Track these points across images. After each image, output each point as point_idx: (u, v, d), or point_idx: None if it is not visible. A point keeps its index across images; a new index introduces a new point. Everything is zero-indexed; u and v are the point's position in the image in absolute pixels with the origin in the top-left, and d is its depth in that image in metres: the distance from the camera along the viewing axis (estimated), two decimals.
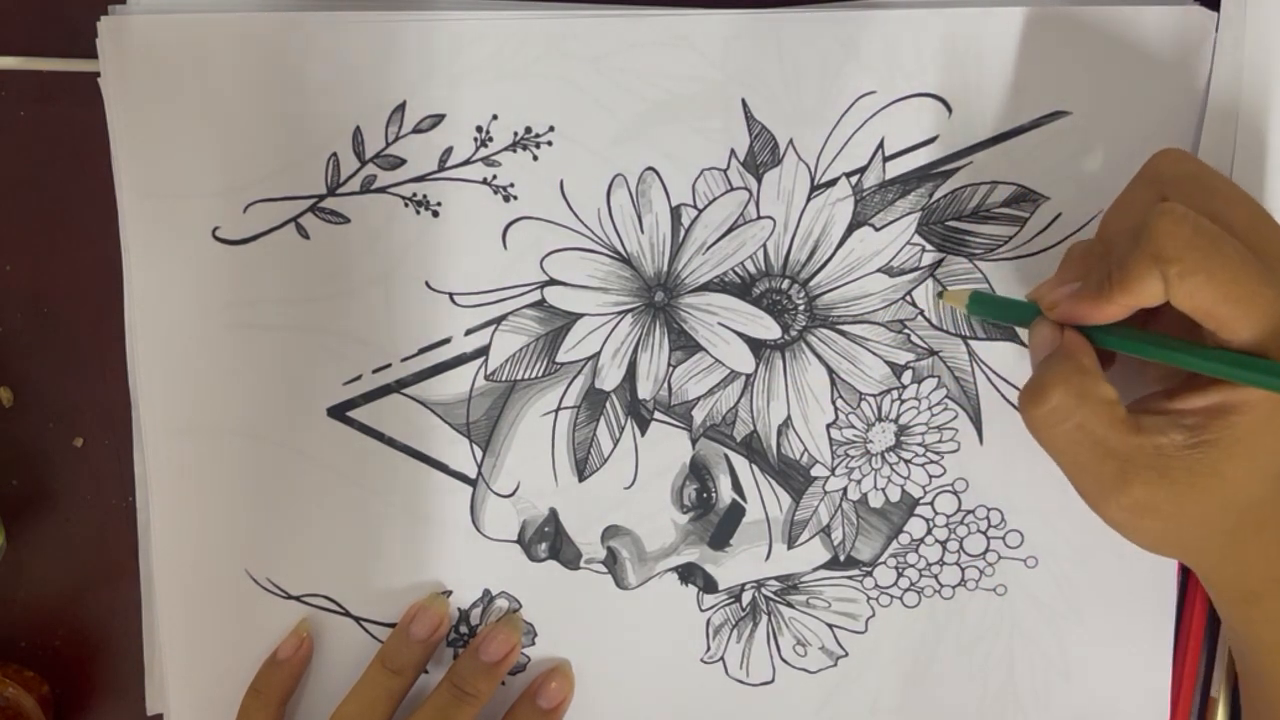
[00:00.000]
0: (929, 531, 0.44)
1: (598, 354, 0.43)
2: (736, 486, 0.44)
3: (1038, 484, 0.43)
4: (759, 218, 0.42)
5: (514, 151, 0.42)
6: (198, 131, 0.42)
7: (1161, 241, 0.31)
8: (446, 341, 0.43)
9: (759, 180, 0.42)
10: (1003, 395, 0.43)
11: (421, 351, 0.43)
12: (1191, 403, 0.33)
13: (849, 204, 0.42)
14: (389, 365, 0.43)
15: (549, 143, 0.42)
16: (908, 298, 0.42)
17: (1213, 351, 0.32)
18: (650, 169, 0.42)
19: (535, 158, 0.42)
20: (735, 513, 0.44)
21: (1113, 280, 0.33)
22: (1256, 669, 0.38)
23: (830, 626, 0.45)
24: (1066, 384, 0.33)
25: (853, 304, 0.42)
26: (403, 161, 0.42)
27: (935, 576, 0.44)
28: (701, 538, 0.44)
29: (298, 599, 0.44)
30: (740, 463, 0.44)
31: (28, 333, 0.44)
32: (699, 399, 0.43)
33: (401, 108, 0.41)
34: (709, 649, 0.45)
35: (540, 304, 0.43)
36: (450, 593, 0.44)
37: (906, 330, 0.43)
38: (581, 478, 0.44)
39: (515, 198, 0.42)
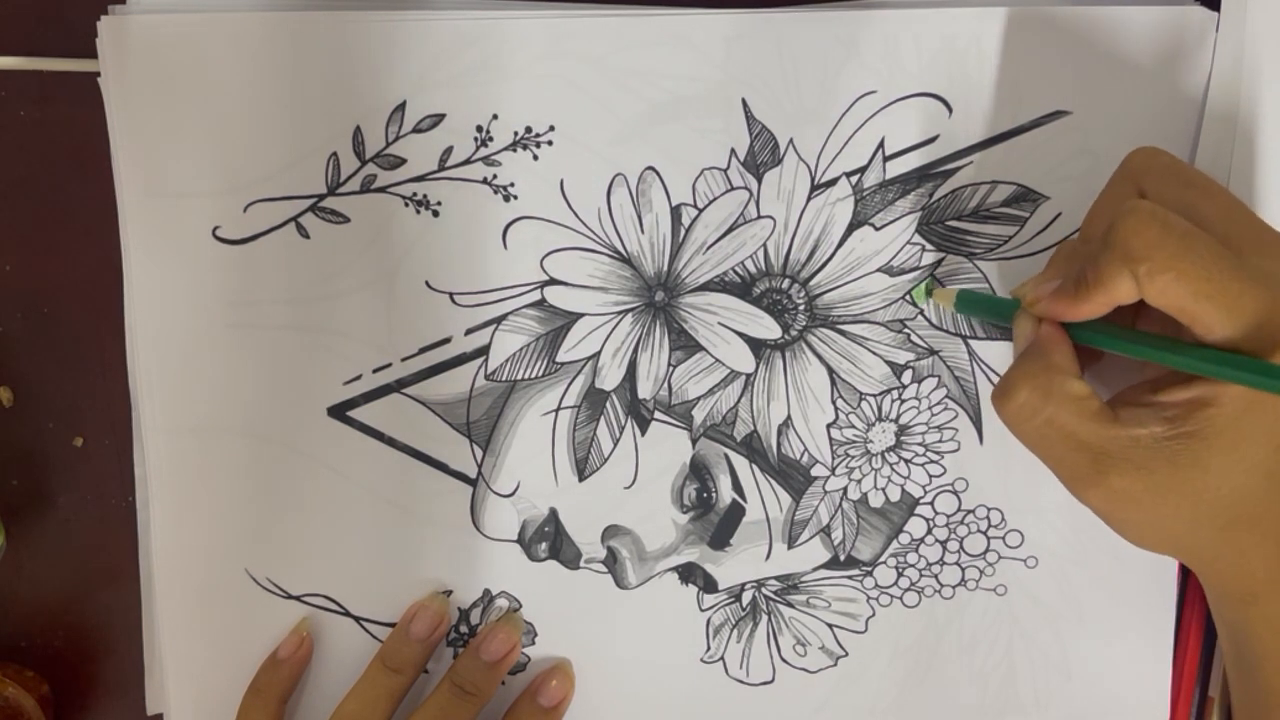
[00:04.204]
0: (929, 531, 0.44)
1: (598, 354, 0.43)
2: (736, 486, 0.44)
3: (1038, 484, 0.43)
4: (759, 217, 0.42)
5: (514, 151, 0.42)
6: (198, 131, 0.42)
7: (1130, 240, 0.32)
8: (447, 341, 0.43)
9: (759, 180, 0.42)
10: None
11: (422, 351, 0.43)
12: (1174, 395, 0.33)
13: (849, 203, 0.42)
14: (389, 365, 0.43)
15: (549, 142, 0.42)
16: (908, 297, 0.42)
17: (1186, 347, 0.32)
18: (650, 169, 0.42)
19: (535, 157, 0.42)
20: (735, 512, 0.44)
21: (1087, 279, 0.33)
22: (1249, 670, 0.38)
23: (830, 626, 0.45)
24: (1033, 381, 0.34)
25: (853, 303, 0.42)
26: (403, 161, 0.42)
27: (935, 576, 0.44)
28: (701, 537, 0.44)
29: (298, 599, 0.44)
30: (740, 462, 0.44)
31: (28, 333, 0.44)
32: (699, 399, 0.43)
33: (401, 108, 0.41)
34: (709, 649, 0.45)
35: (540, 303, 0.43)
36: (450, 592, 0.44)
37: (906, 330, 0.43)
38: (582, 477, 0.44)
39: (515, 197, 0.42)
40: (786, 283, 0.42)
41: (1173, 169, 0.35)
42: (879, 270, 0.42)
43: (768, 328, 0.43)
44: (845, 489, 0.44)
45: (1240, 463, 0.33)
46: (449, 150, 0.42)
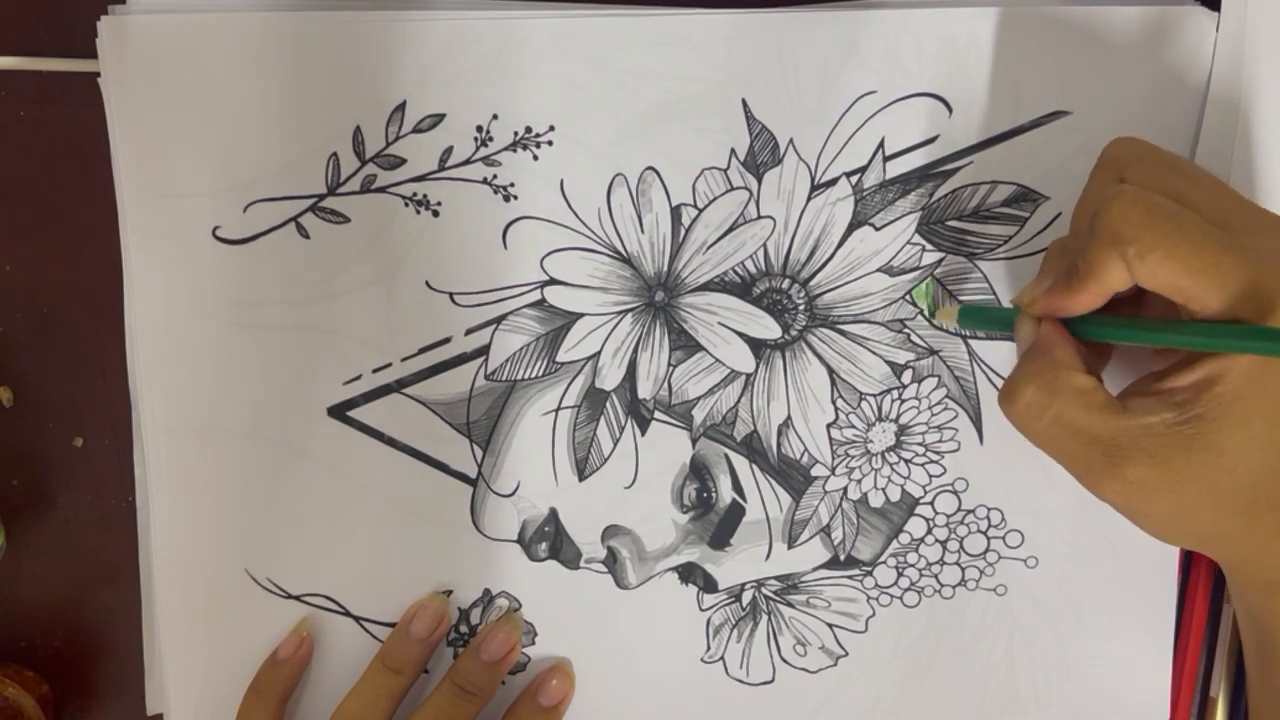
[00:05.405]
0: (929, 531, 0.44)
1: (598, 354, 0.43)
2: (736, 486, 0.44)
3: (1038, 484, 0.43)
4: (759, 217, 0.42)
5: (514, 151, 0.42)
6: (198, 131, 0.42)
7: (1116, 224, 0.32)
8: (447, 341, 0.43)
9: (759, 180, 0.42)
10: None
11: (422, 351, 0.43)
12: (1180, 380, 0.33)
13: (849, 203, 0.42)
14: (389, 365, 0.43)
15: (549, 142, 0.42)
16: (908, 297, 0.42)
17: (1185, 325, 0.32)
18: (650, 169, 0.42)
19: (535, 157, 0.42)
20: (735, 512, 0.44)
21: (1079, 270, 0.33)
22: (1270, 660, 0.37)
23: (830, 626, 0.45)
24: (1038, 378, 0.34)
25: (853, 303, 0.42)
26: (403, 161, 0.42)
27: (935, 576, 0.44)
28: (701, 537, 0.44)
29: (298, 599, 0.44)
30: (740, 462, 0.44)
31: (28, 333, 0.44)
32: (699, 399, 0.43)
33: (401, 108, 0.41)
34: (709, 649, 0.45)
35: (540, 303, 0.43)
36: (450, 592, 0.44)
37: (906, 330, 0.43)
38: (582, 477, 0.44)
39: (515, 197, 0.42)
40: (786, 283, 0.42)
41: (1153, 155, 0.35)
42: (879, 270, 0.42)
43: (768, 328, 0.43)
44: (845, 489, 0.44)
45: (1254, 440, 0.32)
46: (449, 150, 0.42)
